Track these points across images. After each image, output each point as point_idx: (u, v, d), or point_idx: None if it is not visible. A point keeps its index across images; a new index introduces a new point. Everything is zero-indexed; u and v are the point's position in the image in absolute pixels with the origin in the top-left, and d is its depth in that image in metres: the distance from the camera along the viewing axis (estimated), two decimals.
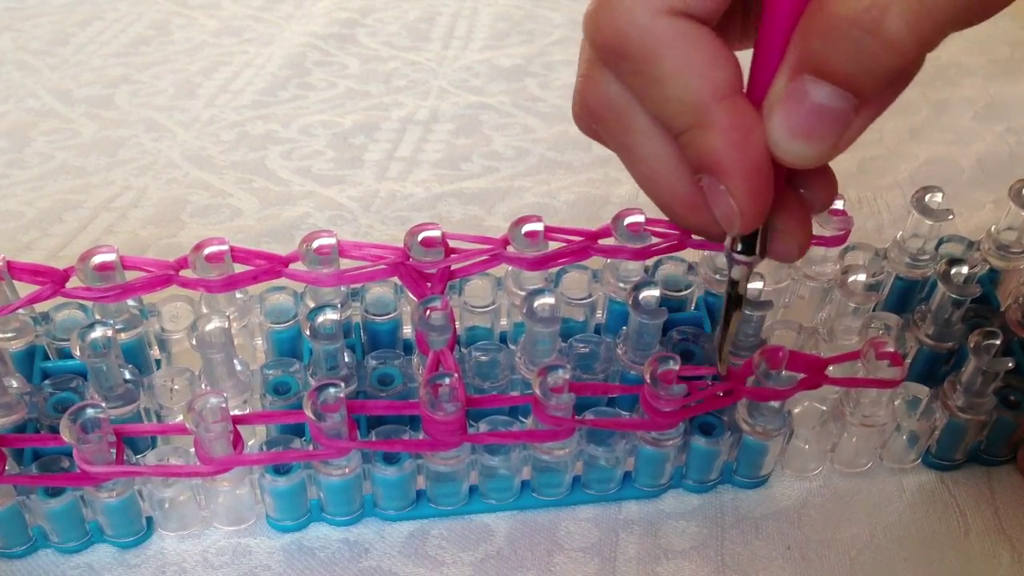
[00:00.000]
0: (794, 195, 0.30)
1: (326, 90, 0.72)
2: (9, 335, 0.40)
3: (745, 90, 0.26)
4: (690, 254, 0.43)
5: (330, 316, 0.38)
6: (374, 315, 0.42)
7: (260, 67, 0.75)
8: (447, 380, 0.35)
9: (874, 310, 0.46)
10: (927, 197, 0.43)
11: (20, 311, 0.39)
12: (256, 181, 0.62)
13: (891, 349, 0.37)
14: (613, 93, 0.28)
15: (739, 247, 0.29)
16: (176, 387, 0.40)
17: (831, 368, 0.37)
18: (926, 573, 0.39)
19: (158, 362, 0.44)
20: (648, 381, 0.36)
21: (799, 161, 0.26)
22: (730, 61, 0.25)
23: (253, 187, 0.61)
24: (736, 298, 0.33)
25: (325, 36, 0.80)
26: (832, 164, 0.29)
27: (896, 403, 0.40)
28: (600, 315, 0.45)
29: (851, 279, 0.40)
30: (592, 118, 0.29)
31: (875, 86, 0.24)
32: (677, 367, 0.36)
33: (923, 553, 0.39)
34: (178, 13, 0.84)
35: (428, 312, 0.38)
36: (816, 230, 0.42)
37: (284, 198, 0.60)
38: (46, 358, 0.42)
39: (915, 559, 0.39)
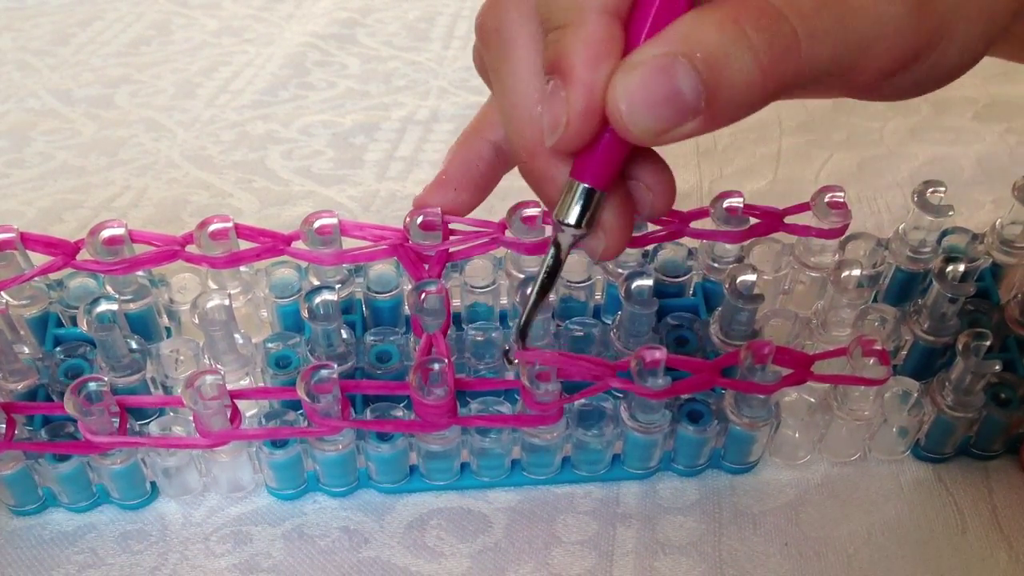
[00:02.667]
0: (623, 189, 0.31)
1: (326, 90, 0.72)
2: (24, 302, 0.42)
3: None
4: (690, 240, 0.43)
5: (327, 297, 0.39)
6: (376, 292, 0.43)
7: (260, 67, 0.75)
8: (437, 366, 0.36)
9: (875, 300, 0.46)
10: (928, 192, 0.43)
11: (35, 279, 0.41)
12: (256, 181, 0.62)
13: (879, 347, 0.37)
14: (508, 17, 0.29)
15: (566, 214, 0.29)
16: (181, 358, 0.41)
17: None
18: (923, 571, 0.39)
19: (168, 330, 0.45)
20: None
21: (625, 125, 0.26)
22: None
23: (253, 187, 0.61)
24: (555, 266, 0.32)
25: (325, 36, 0.80)
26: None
27: (887, 396, 0.40)
28: (599, 296, 0.46)
29: (844, 274, 0.40)
30: (482, 40, 0.30)
31: (727, 107, 0.25)
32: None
33: (920, 551, 0.39)
34: (178, 13, 0.84)
35: (423, 296, 0.38)
36: (815, 223, 0.42)
37: (284, 198, 0.60)
38: (59, 324, 0.43)
39: (912, 557, 0.39)
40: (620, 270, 0.43)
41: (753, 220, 0.42)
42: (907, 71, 0.27)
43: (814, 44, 0.25)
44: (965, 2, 0.26)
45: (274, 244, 0.40)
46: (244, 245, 0.40)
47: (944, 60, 0.27)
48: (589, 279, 0.43)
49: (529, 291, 0.33)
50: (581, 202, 0.29)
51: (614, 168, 0.28)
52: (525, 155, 0.29)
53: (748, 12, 0.25)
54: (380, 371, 0.41)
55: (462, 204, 0.36)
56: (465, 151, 0.36)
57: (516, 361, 0.35)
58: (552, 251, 0.31)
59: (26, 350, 0.42)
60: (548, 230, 0.41)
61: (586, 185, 0.29)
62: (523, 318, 0.34)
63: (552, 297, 0.41)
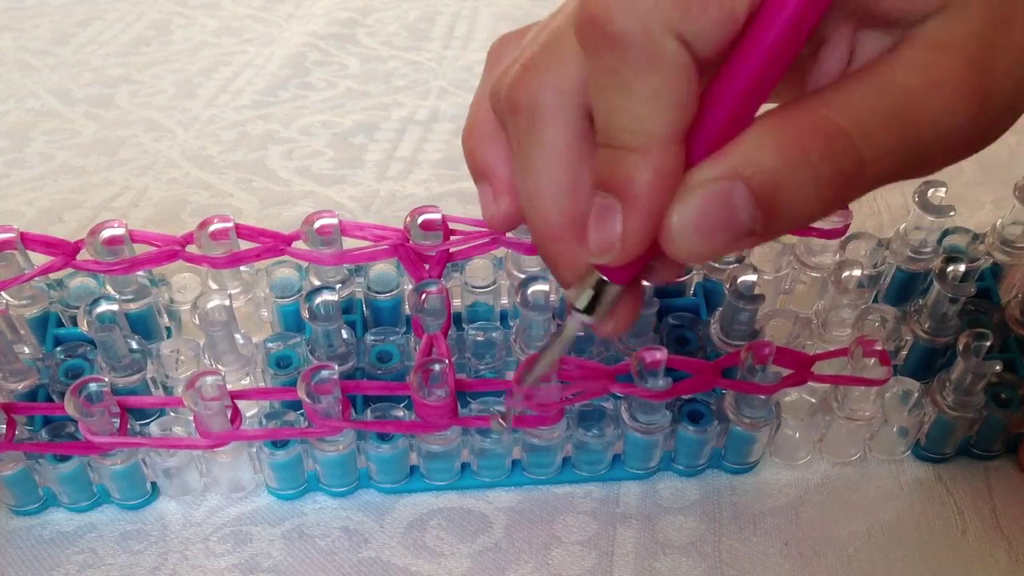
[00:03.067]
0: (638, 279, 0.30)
1: (326, 90, 0.72)
2: (24, 302, 0.42)
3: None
4: None
5: (327, 297, 0.39)
6: (376, 292, 0.43)
7: (260, 67, 0.75)
8: (437, 366, 0.36)
9: (875, 299, 0.46)
10: (930, 192, 0.43)
11: (35, 279, 0.41)
12: (256, 181, 0.62)
13: (880, 348, 0.37)
14: (545, 95, 0.27)
15: (583, 305, 0.28)
16: (182, 358, 0.41)
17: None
18: (923, 571, 0.39)
19: (169, 329, 0.45)
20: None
21: (677, 248, 0.25)
22: (695, 110, 0.24)
23: (253, 187, 0.61)
24: (563, 340, 0.31)
25: (325, 36, 0.80)
26: None
27: (887, 396, 0.40)
28: None
29: (844, 274, 0.40)
30: (511, 108, 0.28)
31: (784, 228, 0.25)
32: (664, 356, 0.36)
33: (920, 551, 0.39)
34: (178, 13, 0.84)
35: (423, 296, 0.38)
36: (816, 223, 0.42)
37: (284, 198, 0.60)
38: (59, 324, 0.43)
39: (912, 557, 0.39)
40: None
41: None
42: (960, 158, 0.27)
43: (881, 162, 0.24)
44: (1011, 98, 0.25)
45: (275, 244, 0.40)
46: (244, 245, 0.41)
47: (986, 142, 0.27)
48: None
49: (538, 359, 0.32)
50: (602, 295, 0.28)
51: (642, 269, 0.28)
52: (546, 238, 0.29)
53: (815, 137, 0.23)
54: (381, 371, 0.41)
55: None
56: (500, 150, 0.33)
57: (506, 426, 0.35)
58: (563, 328, 0.31)
59: (26, 350, 0.42)
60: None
61: (607, 279, 0.28)
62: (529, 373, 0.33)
63: (553, 297, 0.40)
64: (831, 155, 0.24)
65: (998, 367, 0.38)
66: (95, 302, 0.39)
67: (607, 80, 0.24)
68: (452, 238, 0.40)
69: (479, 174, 0.32)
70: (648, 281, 0.31)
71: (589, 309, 0.28)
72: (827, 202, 0.24)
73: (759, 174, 0.24)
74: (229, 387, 0.36)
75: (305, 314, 0.39)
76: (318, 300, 0.39)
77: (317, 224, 0.40)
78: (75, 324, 0.43)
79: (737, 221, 0.24)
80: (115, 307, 0.39)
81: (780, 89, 0.25)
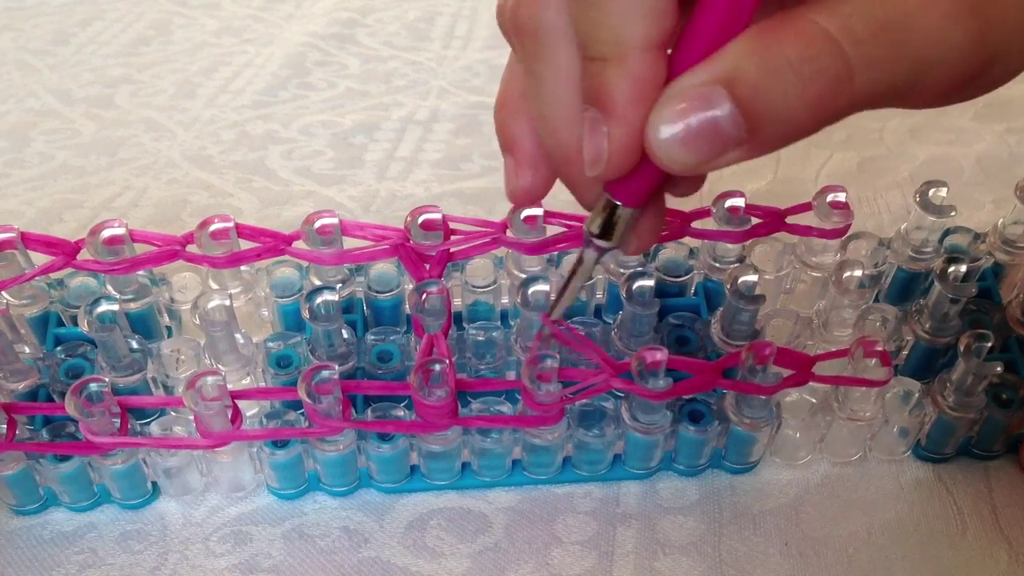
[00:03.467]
0: (657, 203, 0.30)
1: (326, 90, 0.72)
2: (24, 302, 0.42)
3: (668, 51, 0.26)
4: (691, 240, 0.43)
5: (327, 297, 0.39)
6: (377, 292, 0.43)
7: (260, 67, 0.75)
8: (438, 367, 0.36)
9: (876, 299, 0.46)
10: (931, 192, 0.43)
11: (36, 278, 0.41)
12: (256, 181, 0.62)
13: (880, 348, 0.37)
14: (547, 16, 0.27)
15: (597, 229, 0.29)
16: (182, 357, 0.41)
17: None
18: (923, 571, 0.39)
19: (169, 329, 0.45)
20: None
21: (665, 158, 0.25)
22: (673, 19, 0.24)
23: (253, 187, 0.61)
24: (577, 270, 0.32)
25: (325, 36, 0.80)
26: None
27: (888, 396, 0.40)
28: (600, 296, 0.46)
29: (846, 275, 0.40)
30: (516, 31, 0.28)
31: (772, 137, 0.24)
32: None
33: (920, 551, 0.39)
34: (178, 13, 0.84)
35: (424, 296, 0.38)
36: (817, 223, 0.42)
37: (284, 198, 0.60)
38: (60, 324, 0.43)
39: (912, 557, 0.39)
40: (622, 270, 0.43)
41: (755, 220, 0.42)
42: (958, 92, 0.26)
43: (869, 72, 0.23)
44: (1017, 32, 0.25)
45: (275, 244, 0.40)
46: (245, 245, 0.41)
47: (989, 79, 0.26)
48: (590, 279, 0.43)
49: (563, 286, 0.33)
50: (615, 218, 0.28)
51: (651, 190, 0.28)
52: (562, 161, 0.29)
53: (796, 39, 0.23)
54: (381, 371, 0.41)
55: (547, 181, 0.33)
56: (526, 124, 0.33)
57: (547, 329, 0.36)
58: (582, 255, 0.31)
59: (27, 350, 0.42)
60: (549, 230, 0.41)
61: (620, 203, 0.28)
62: (554, 305, 0.34)
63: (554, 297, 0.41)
64: (815, 57, 0.23)
65: (999, 368, 0.38)
66: (95, 302, 0.39)
67: None
68: (452, 238, 0.40)
69: (505, 145, 0.32)
70: (670, 193, 0.31)
71: (605, 235, 0.28)
72: (813, 109, 0.24)
73: (739, 79, 0.23)
74: (230, 387, 0.36)
75: (306, 314, 0.39)
76: (318, 300, 0.39)
77: (317, 224, 0.40)
78: (76, 323, 0.43)
79: (720, 128, 0.24)
80: (115, 307, 0.39)
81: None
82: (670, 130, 0.24)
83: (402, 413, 0.38)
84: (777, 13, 0.24)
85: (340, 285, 0.42)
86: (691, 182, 0.30)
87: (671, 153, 0.24)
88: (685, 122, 0.24)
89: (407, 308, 0.44)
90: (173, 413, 0.41)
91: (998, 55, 0.25)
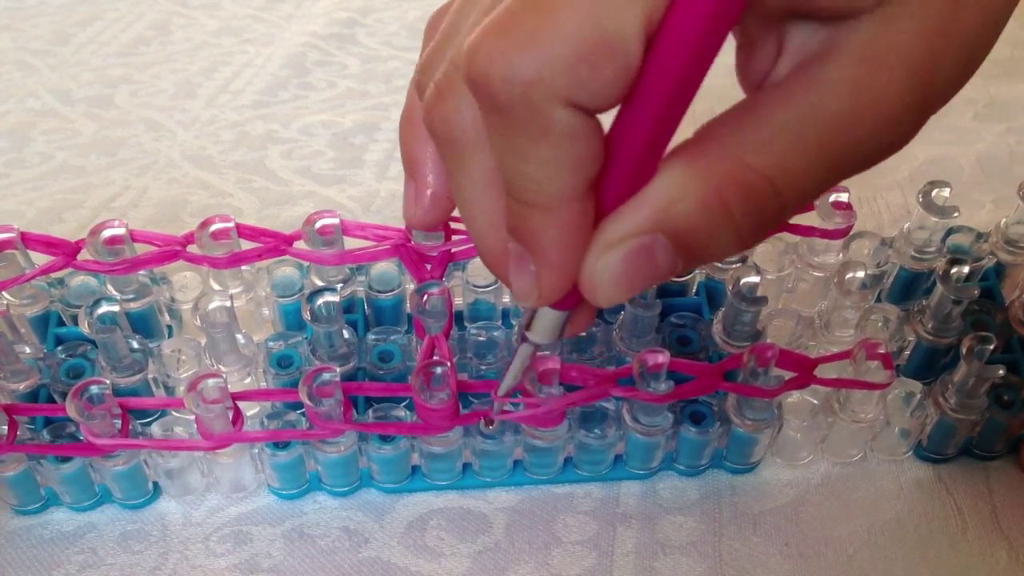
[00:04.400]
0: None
1: (326, 90, 0.72)
2: (25, 301, 0.42)
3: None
4: None
5: (329, 298, 0.39)
6: (378, 291, 0.43)
7: (260, 67, 0.75)
8: (439, 369, 0.36)
9: (878, 299, 0.46)
10: (934, 192, 0.43)
11: (36, 278, 0.41)
12: (256, 181, 0.62)
13: (883, 351, 0.37)
14: (463, 124, 0.25)
15: (528, 328, 0.28)
16: (183, 357, 0.41)
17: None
18: (923, 571, 0.39)
19: (170, 328, 0.45)
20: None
21: (598, 298, 0.24)
22: (600, 161, 0.23)
23: (253, 187, 0.61)
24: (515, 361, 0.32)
25: (325, 36, 0.80)
26: None
27: (889, 397, 0.40)
28: None
29: (848, 275, 0.40)
30: (431, 132, 0.26)
31: (701, 263, 0.24)
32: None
33: (920, 551, 0.39)
34: (178, 13, 0.84)
35: (425, 298, 0.38)
36: (819, 223, 0.42)
37: (284, 198, 0.60)
38: (60, 323, 0.43)
39: (912, 557, 0.39)
40: None
41: None
42: None
43: (801, 199, 0.23)
44: (964, 76, 0.23)
45: (276, 244, 0.40)
46: (246, 245, 0.41)
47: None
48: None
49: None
50: (547, 319, 0.28)
51: (580, 300, 0.26)
52: (489, 262, 0.28)
53: (736, 187, 0.22)
54: (382, 371, 0.41)
55: (446, 214, 0.33)
56: (432, 151, 0.31)
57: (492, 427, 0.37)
58: (518, 349, 0.31)
59: (27, 350, 0.42)
60: None
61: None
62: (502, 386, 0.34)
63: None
64: (753, 204, 0.23)
65: (1001, 371, 0.38)
66: (96, 303, 0.39)
67: (499, 139, 0.23)
68: (454, 238, 0.40)
69: (409, 170, 0.32)
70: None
71: (537, 329, 0.28)
72: (745, 243, 0.24)
73: (680, 226, 0.23)
74: (231, 387, 0.36)
75: (307, 315, 0.39)
76: (320, 301, 0.39)
77: (319, 224, 0.40)
78: (76, 323, 0.43)
79: (657, 268, 0.23)
80: (116, 308, 0.39)
81: None
82: (606, 274, 0.24)
83: (403, 414, 0.38)
84: (704, 141, 0.23)
85: (341, 285, 0.42)
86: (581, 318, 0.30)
87: (606, 294, 0.24)
88: (625, 270, 0.23)
89: (408, 308, 0.44)
90: (174, 414, 0.41)
91: (932, 112, 0.24)
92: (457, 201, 0.28)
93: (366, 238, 0.40)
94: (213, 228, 0.40)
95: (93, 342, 0.40)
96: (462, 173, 0.26)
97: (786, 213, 0.24)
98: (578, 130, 0.21)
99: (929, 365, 0.43)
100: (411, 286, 0.41)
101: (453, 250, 0.40)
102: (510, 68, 0.21)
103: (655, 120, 0.22)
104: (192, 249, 0.40)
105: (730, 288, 0.40)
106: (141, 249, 0.41)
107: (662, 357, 0.36)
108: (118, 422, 0.36)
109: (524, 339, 0.29)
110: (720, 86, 0.27)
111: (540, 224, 0.23)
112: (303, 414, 0.38)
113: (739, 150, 0.22)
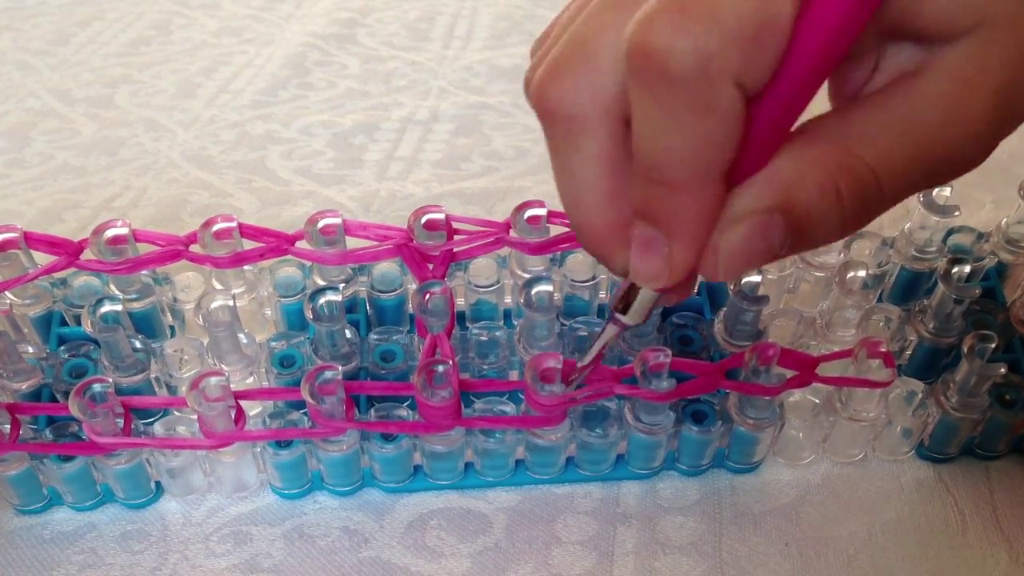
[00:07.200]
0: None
1: (326, 90, 0.72)
2: (28, 301, 0.42)
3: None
4: None
5: (331, 298, 0.39)
6: (380, 291, 0.43)
7: (260, 67, 0.75)
8: (441, 368, 0.36)
9: (879, 299, 0.46)
10: (934, 192, 0.43)
11: (38, 278, 0.41)
12: (256, 181, 0.62)
13: (884, 349, 0.37)
14: (581, 102, 0.25)
15: (621, 308, 0.29)
16: (186, 357, 0.41)
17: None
18: (924, 571, 0.39)
19: (172, 328, 0.45)
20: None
21: (719, 273, 0.25)
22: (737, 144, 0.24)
23: (253, 187, 0.61)
24: (601, 337, 0.32)
25: (325, 36, 0.80)
26: None
27: (891, 397, 0.40)
28: (604, 295, 0.45)
29: (849, 275, 0.40)
30: (544, 112, 0.26)
31: (803, 248, 0.26)
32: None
33: (921, 551, 0.39)
34: (178, 13, 0.84)
35: (427, 297, 0.38)
36: None
37: (284, 198, 0.60)
38: (63, 323, 0.43)
39: (913, 557, 0.39)
40: None
41: None
42: None
43: (897, 195, 0.25)
44: None
45: (278, 244, 0.40)
46: (248, 245, 0.41)
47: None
48: (594, 278, 0.43)
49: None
50: (638, 297, 0.28)
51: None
52: (591, 243, 0.28)
53: (848, 176, 0.24)
54: (384, 370, 0.41)
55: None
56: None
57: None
58: (604, 330, 0.31)
59: (30, 349, 0.42)
60: (552, 230, 0.41)
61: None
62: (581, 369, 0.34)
63: (557, 296, 0.41)
64: (861, 192, 0.24)
65: (1003, 370, 0.38)
66: (99, 302, 0.39)
67: (657, 115, 0.23)
68: (456, 238, 0.40)
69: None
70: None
71: (627, 309, 0.29)
72: (848, 230, 0.25)
73: (797, 208, 0.24)
74: (233, 387, 0.36)
75: (309, 315, 0.39)
76: (322, 300, 0.39)
77: (321, 224, 0.40)
78: (79, 323, 0.43)
79: (772, 247, 0.25)
80: (119, 307, 0.39)
81: None
82: (729, 247, 0.25)
83: (405, 413, 0.38)
84: (817, 131, 0.25)
85: (343, 285, 0.42)
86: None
87: (727, 267, 0.25)
88: (747, 244, 0.25)
89: (410, 308, 0.44)
90: (177, 413, 0.41)
91: (1007, 135, 0.25)
92: (560, 179, 0.28)
93: (368, 238, 0.40)
94: (215, 228, 0.40)
95: (96, 342, 0.40)
96: (574, 150, 0.27)
97: (883, 207, 0.25)
98: (739, 109, 0.22)
99: (930, 365, 0.43)
100: (413, 286, 0.42)
101: (455, 250, 0.40)
102: (691, 40, 0.21)
103: (787, 103, 0.23)
104: (195, 249, 0.40)
105: (732, 288, 0.40)
106: (143, 249, 0.41)
107: (664, 356, 0.36)
108: (120, 421, 0.36)
109: (615, 320, 0.30)
110: None
111: (683, 204, 0.24)
112: (305, 414, 0.38)
113: (849, 141, 0.24)
